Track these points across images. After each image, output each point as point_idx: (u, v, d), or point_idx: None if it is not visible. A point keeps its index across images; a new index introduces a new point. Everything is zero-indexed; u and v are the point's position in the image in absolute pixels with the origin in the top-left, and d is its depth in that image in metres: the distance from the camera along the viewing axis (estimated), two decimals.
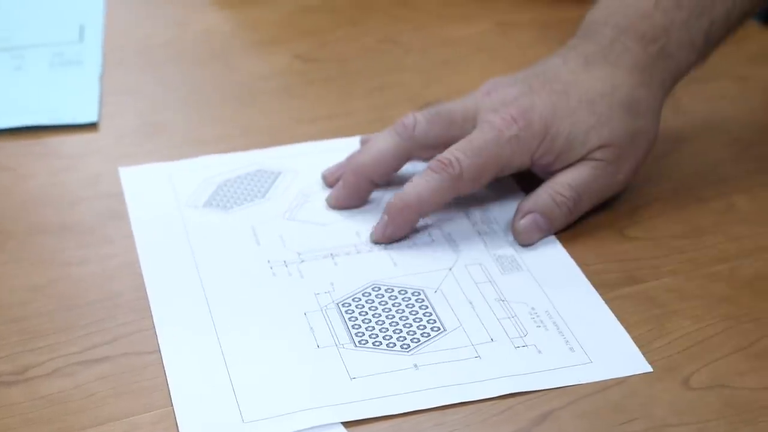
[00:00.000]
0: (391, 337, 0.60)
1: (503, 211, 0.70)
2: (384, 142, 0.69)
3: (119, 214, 0.71)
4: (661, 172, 0.74)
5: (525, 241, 0.66)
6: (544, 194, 0.66)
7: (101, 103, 0.84)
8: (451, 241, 0.67)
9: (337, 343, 0.59)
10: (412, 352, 0.59)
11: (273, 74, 0.89)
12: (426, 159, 0.69)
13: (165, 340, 0.60)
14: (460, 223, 0.68)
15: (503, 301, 0.62)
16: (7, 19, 0.99)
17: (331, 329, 0.60)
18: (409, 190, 0.66)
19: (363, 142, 0.73)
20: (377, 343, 0.59)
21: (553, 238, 0.67)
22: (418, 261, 0.66)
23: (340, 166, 0.71)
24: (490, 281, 0.64)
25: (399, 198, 0.66)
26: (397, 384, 0.57)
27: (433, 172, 0.65)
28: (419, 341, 0.59)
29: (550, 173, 0.67)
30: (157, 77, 0.89)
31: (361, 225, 0.68)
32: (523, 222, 0.66)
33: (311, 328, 0.61)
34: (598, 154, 0.66)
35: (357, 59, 0.91)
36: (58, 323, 0.62)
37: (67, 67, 0.91)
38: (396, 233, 0.66)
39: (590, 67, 0.68)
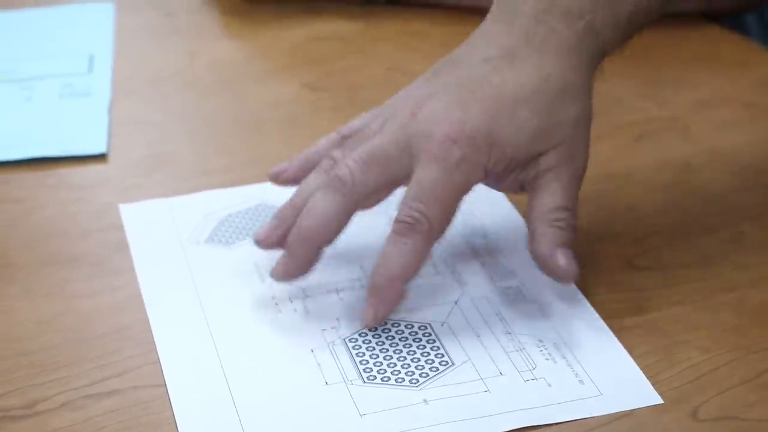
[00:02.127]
0: (400, 372, 0.60)
1: (506, 241, 0.70)
2: (325, 203, 0.64)
3: (126, 246, 0.71)
4: (669, 201, 0.74)
5: (574, 277, 0.62)
6: (547, 229, 0.63)
7: (110, 134, 0.85)
8: (456, 274, 0.67)
9: (346, 379, 0.59)
10: (421, 387, 0.59)
11: (281, 103, 0.90)
12: (367, 207, 0.66)
13: (171, 378, 0.60)
14: (463, 255, 0.68)
15: (510, 333, 0.62)
16: (17, 50, 1.00)
17: (339, 366, 0.60)
18: (389, 263, 0.62)
19: (274, 178, 0.70)
20: (386, 379, 0.59)
21: None
22: (424, 294, 0.66)
23: (274, 230, 0.66)
24: (496, 314, 0.64)
25: (382, 275, 0.62)
26: (407, 420, 0.57)
27: (402, 236, 0.61)
28: (428, 376, 0.59)
29: (505, 180, 0.64)
30: (165, 107, 0.90)
31: (365, 259, 0.68)
32: (562, 263, 0.62)
33: (319, 364, 0.61)
34: (553, 159, 0.63)
35: (365, 88, 0.92)
36: (67, 356, 0.62)
37: (77, 98, 0.91)
38: (389, 311, 0.63)
39: (515, 60, 0.64)
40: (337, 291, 0.66)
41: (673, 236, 0.71)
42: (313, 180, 0.66)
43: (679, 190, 0.75)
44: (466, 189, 0.63)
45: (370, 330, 0.63)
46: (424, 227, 0.61)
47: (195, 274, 0.68)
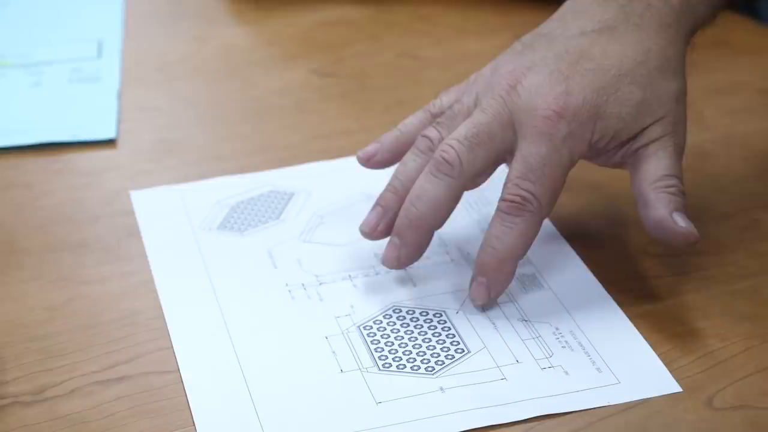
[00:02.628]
0: (415, 360, 0.60)
1: None
2: (435, 187, 0.62)
3: (137, 232, 0.71)
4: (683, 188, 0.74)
5: (696, 240, 0.61)
6: (660, 195, 0.61)
7: (119, 120, 0.85)
8: (470, 261, 0.67)
9: (361, 367, 0.59)
10: (437, 374, 0.59)
11: (290, 89, 0.90)
12: (473, 187, 0.65)
13: (185, 364, 0.60)
14: (478, 243, 0.68)
15: (526, 321, 0.62)
16: (26, 35, 1.00)
17: (354, 353, 0.60)
18: (499, 243, 0.61)
19: (365, 161, 0.68)
20: (401, 366, 0.59)
21: (573, 254, 0.67)
22: (438, 282, 0.66)
23: (380, 218, 0.65)
24: (512, 301, 0.64)
25: (491, 255, 0.61)
26: (423, 408, 0.57)
27: (511, 216, 0.60)
28: (444, 363, 0.59)
29: (605, 154, 0.63)
30: (174, 93, 0.90)
31: (378, 246, 0.68)
32: (684, 225, 0.60)
33: (333, 352, 0.61)
34: (657, 131, 0.62)
35: (375, 74, 0.92)
36: (77, 342, 0.62)
37: (86, 83, 0.91)
38: (500, 291, 0.62)
39: (615, 34, 0.64)
40: (351, 278, 0.66)
41: None
42: (411, 162, 0.65)
43: (693, 176, 0.74)
44: (571, 164, 0.62)
45: (480, 306, 0.63)
46: (534, 206, 0.60)
47: (207, 260, 0.69)
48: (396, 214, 0.63)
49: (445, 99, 0.68)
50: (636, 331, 0.61)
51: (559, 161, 0.61)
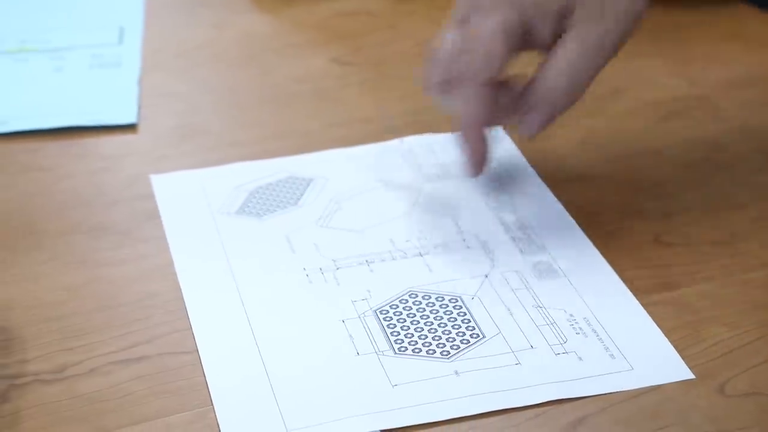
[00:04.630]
0: (431, 344, 0.60)
1: (537, 216, 0.70)
2: (472, 105, 0.66)
3: (155, 215, 0.72)
4: (697, 178, 0.74)
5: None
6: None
7: (140, 105, 0.85)
8: (487, 248, 0.67)
9: (377, 350, 0.60)
10: (452, 358, 0.59)
11: (309, 77, 0.90)
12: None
13: (204, 346, 0.61)
14: (494, 230, 0.69)
15: (541, 307, 0.62)
16: (48, 21, 1.00)
17: (370, 337, 0.61)
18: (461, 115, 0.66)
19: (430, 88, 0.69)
20: (417, 350, 0.59)
21: (589, 243, 0.67)
22: (454, 268, 0.66)
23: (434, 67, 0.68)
24: (527, 288, 0.64)
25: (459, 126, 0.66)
26: (439, 391, 0.57)
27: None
28: (459, 348, 0.60)
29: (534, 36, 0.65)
30: (194, 79, 0.90)
31: (395, 232, 0.69)
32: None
33: (350, 335, 0.61)
34: (578, 16, 0.64)
35: (393, 63, 0.92)
36: (95, 323, 0.62)
37: (107, 68, 0.92)
38: (479, 154, 0.67)
39: None
40: (368, 263, 0.66)
41: (701, 213, 0.70)
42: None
43: (708, 167, 0.75)
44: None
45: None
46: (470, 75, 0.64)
47: (226, 244, 0.69)
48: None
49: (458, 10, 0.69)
50: (649, 318, 0.61)
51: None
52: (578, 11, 0.63)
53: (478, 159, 0.67)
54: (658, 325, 0.61)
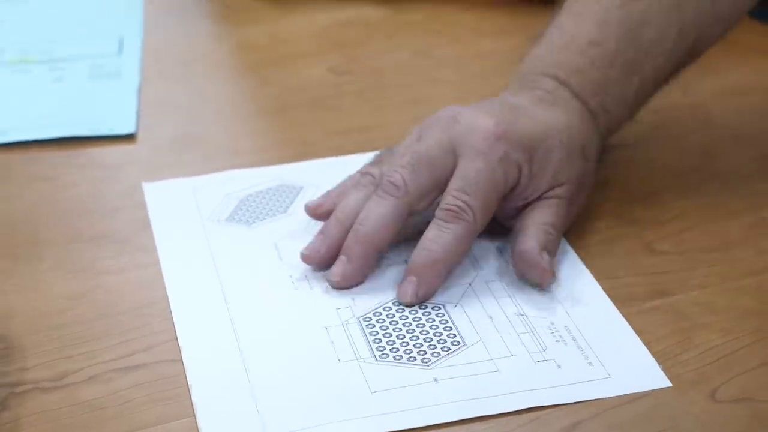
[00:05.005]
0: (412, 351, 0.60)
1: None
2: (381, 207, 0.65)
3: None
4: (691, 186, 0.74)
5: (549, 277, 0.64)
6: (538, 232, 0.64)
7: (139, 115, 0.86)
8: (471, 257, 0.67)
9: (358, 357, 0.60)
10: (432, 366, 0.59)
11: (306, 87, 0.91)
12: (419, 210, 0.66)
13: (187, 351, 0.61)
14: (479, 239, 0.69)
15: (522, 315, 0.63)
16: (48, 32, 1.01)
17: (352, 344, 0.61)
18: (433, 246, 0.63)
19: (313, 211, 0.69)
20: (398, 357, 0.60)
21: (573, 253, 0.68)
22: None
23: (321, 244, 0.66)
24: (509, 296, 0.64)
25: (424, 257, 0.63)
26: (418, 398, 0.57)
27: (447, 223, 0.63)
28: (439, 355, 0.60)
29: (512, 208, 0.66)
30: (194, 90, 0.91)
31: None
32: (547, 260, 0.63)
33: (332, 342, 0.61)
34: (562, 191, 0.66)
35: (391, 72, 0.92)
36: (95, 331, 0.63)
37: (106, 79, 0.92)
38: (429, 292, 0.64)
39: (545, 104, 0.68)
40: None
41: (694, 221, 0.71)
42: (354, 195, 0.67)
43: (701, 175, 0.75)
44: (505, 187, 0.65)
45: (407, 307, 0.63)
46: (469, 216, 0.63)
47: (215, 251, 0.69)
48: (338, 241, 0.65)
49: (381, 152, 0.71)
50: (629, 327, 0.62)
51: (494, 179, 0.64)
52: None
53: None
54: (651, 332, 0.61)
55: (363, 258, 0.65)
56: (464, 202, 0.63)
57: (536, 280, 0.64)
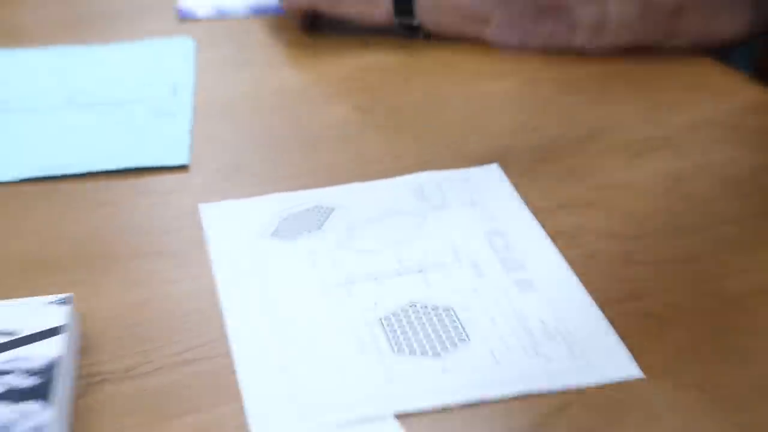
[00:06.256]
0: (425, 346, 0.61)
1: (522, 240, 0.71)
2: None
3: (203, 242, 0.73)
4: (662, 207, 0.75)
5: None
6: None
7: (191, 148, 0.86)
8: (477, 267, 0.68)
9: (379, 351, 0.61)
10: (441, 358, 0.61)
11: (335, 123, 0.91)
12: None
13: (237, 348, 0.62)
14: (484, 252, 0.70)
15: (520, 317, 0.64)
16: (114, 78, 1.01)
17: (375, 339, 0.62)
18: None
19: None
20: (412, 351, 0.61)
21: (564, 263, 0.69)
22: (449, 283, 0.67)
23: None
24: (509, 300, 0.65)
25: None
26: (428, 384, 0.58)
27: None
28: (447, 349, 0.61)
29: None
30: (238, 127, 0.91)
31: (403, 253, 0.70)
32: None
33: (358, 338, 0.62)
34: None
35: (406, 110, 0.92)
36: (158, 331, 0.64)
37: (163, 117, 0.92)
38: None
39: None
40: (376, 279, 0.68)
41: (665, 236, 0.72)
42: None
43: (672, 197, 0.76)
44: None
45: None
46: None
47: (261, 262, 0.70)
48: None
49: None
50: (610, 326, 0.63)
51: None
52: None
53: None
54: (627, 330, 0.62)
55: None
56: None
57: None
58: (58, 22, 1.17)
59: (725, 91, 0.93)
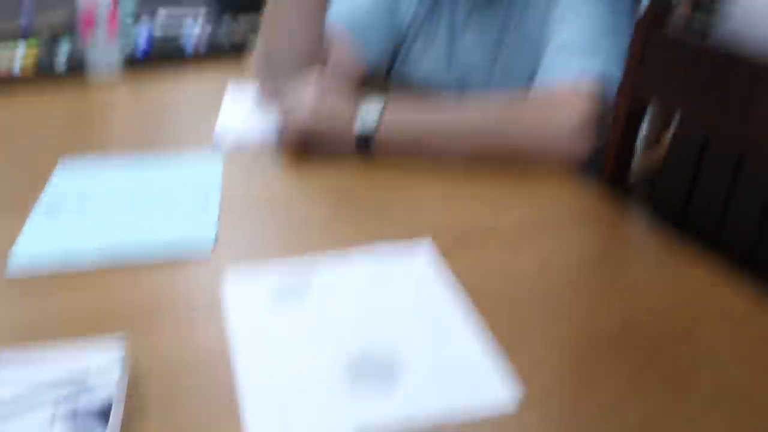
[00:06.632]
0: (376, 382, 0.69)
1: (444, 303, 0.80)
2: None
3: (219, 306, 0.82)
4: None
5: None
6: None
7: (217, 237, 0.96)
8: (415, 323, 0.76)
9: (346, 383, 0.69)
10: (388, 389, 0.69)
11: (319, 216, 1.00)
12: None
13: (242, 376, 0.71)
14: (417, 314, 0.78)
15: (439, 365, 0.71)
16: (156, 189, 1.08)
17: (341, 376, 0.70)
18: None
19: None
20: (368, 385, 0.68)
21: (474, 320, 0.78)
22: (392, 335, 0.76)
23: None
24: (423, 350, 0.73)
25: None
26: (380, 408, 0.66)
27: None
28: (391, 384, 0.69)
29: None
30: (254, 220, 1.00)
31: (376, 310, 0.78)
32: None
33: (330, 373, 0.70)
34: None
35: (366, 204, 1.01)
36: (185, 366, 0.75)
37: (195, 213, 1.00)
38: None
39: None
40: (352, 329, 0.76)
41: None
42: None
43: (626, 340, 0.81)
44: None
45: None
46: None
47: (263, 319, 0.79)
48: None
49: None
50: (497, 359, 0.71)
51: None
52: None
53: None
54: (509, 370, 0.71)
55: None
56: None
57: None
58: (131, 136, 1.28)
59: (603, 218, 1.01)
